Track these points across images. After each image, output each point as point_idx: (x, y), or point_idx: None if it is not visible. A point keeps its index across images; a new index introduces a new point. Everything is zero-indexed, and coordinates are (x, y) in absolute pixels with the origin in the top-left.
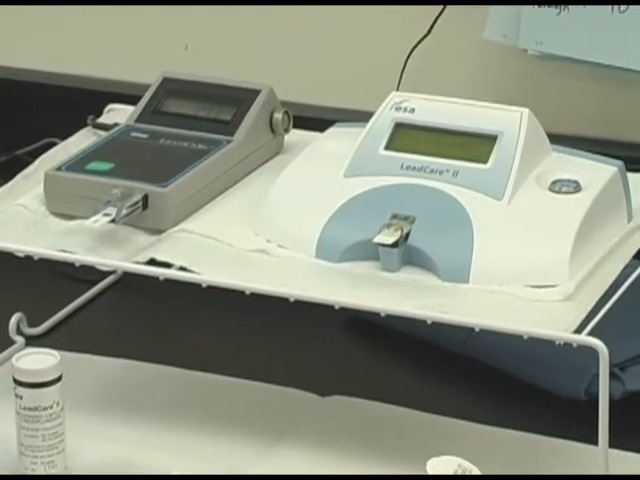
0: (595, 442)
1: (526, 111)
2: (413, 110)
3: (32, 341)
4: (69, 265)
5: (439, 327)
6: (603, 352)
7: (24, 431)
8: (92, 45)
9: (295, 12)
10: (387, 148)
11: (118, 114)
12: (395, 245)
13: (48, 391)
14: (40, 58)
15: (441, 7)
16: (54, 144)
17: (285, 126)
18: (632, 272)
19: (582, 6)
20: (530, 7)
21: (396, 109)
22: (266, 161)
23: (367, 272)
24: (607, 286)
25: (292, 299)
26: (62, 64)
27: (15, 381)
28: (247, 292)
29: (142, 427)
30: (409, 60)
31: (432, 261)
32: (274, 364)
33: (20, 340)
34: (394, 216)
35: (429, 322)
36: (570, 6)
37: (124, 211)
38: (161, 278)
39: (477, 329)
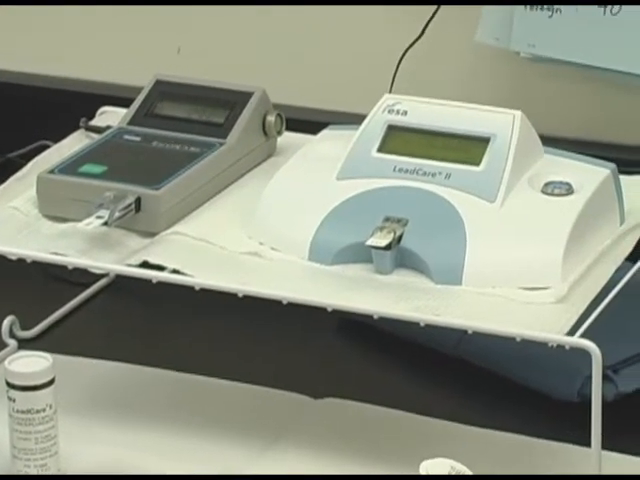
0: (588, 444)
1: (519, 113)
2: (406, 112)
3: (25, 344)
4: (62, 268)
5: (432, 329)
6: (596, 354)
7: (17, 434)
8: (85, 48)
9: (287, 14)
10: (380, 150)
11: (111, 117)
12: (388, 248)
13: (41, 394)
14: (32, 61)
15: (433, 10)
16: (47, 147)
17: (278, 129)
18: (624, 274)
19: (574, 9)
20: (522, 10)
21: (389, 111)
22: (259, 164)
23: (360, 275)
24: (599, 288)
25: (285, 302)
26: (55, 67)
27: (8, 384)
28: (240, 295)
29: (135, 430)
30: (402, 62)
31: (425, 263)
32: (267, 366)
33: (13, 343)
34: (387, 219)
35: (422, 324)
36: (562, 9)
37: (117, 214)
38: (154, 281)
39: (470, 331)
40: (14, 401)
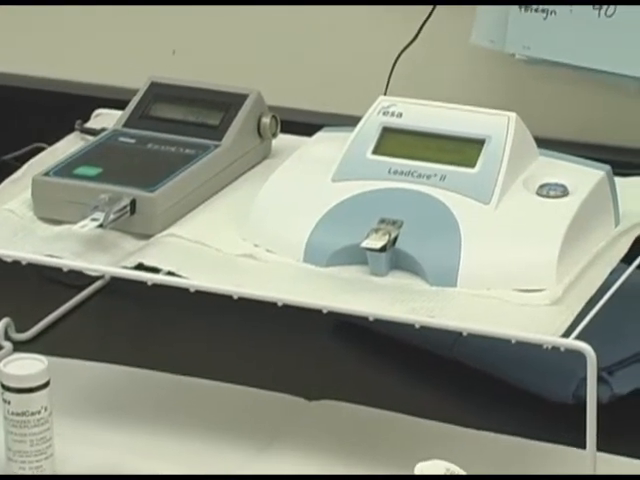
0: (583, 446)
1: (513, 115)
2: (401, 114)
3: (20, 346)
4: (57, 270)
5: (427, 331)
6: (591, 356)
7: (12, 436)
8: (80, 50)
9: (282, 16)
10: (375, 152)
11: (106, 119)
12: (383, 249)
13: (36, 396)
14: (27, 63)
15: (428, 12)
16: (42, 149)
17: (273, 131)
18: (619, 276)
19: (569, 11)
20: (517, 12)
21: (384, 113)
22: (254, 166)
23: (355, 276)
24: (594, 290)
25: (280, 304)
26: (49, 69)
27: (3, 386)
28: (235, 297)
29: (130, 432)
30: (397, 64)
31: (420, 265)
32: (262, 369)
33: (8, 345)
34: (382, 220)
35: (417, 326)
36: (557, 11)
37: (112, 216)
38: (149, 283)
39: (465, 333)
40: (9, 403)
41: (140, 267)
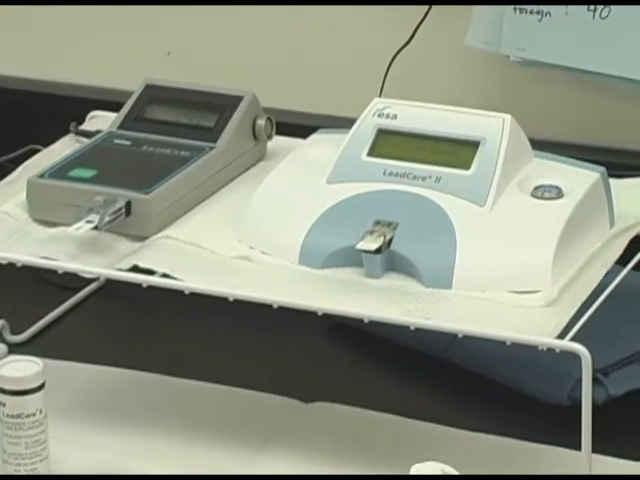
0: (578, 447)
1: (508, 117)
2: (395, 116)
3: (15, 348)
4: (52, 272)
5: (422, 333)
6: (586, 357)
7: (7, 438)
8: (74, 52)
9: (277, 18)
10: (370, 154)
11: (101, 121)
12: (378, 251)
13: (31, 398)
14: (22, 65)
15: (423, 14)
16: (37, 151)
17: (268, 132)
18: (614, 278)
19: (564, 13)
20: (512, 13)
21: (378, 115)
22: (249, 168)
23: (350, 278)
24: (589, 292)
25: (275, 305)
26: (44, 71)
27: None
28: (230, 299)
29: (125, 434)
30: (391, 66)
31: (415, 267)
32: (257, 371)
33: (3, 347)
34: (377, 222)
35: (412, 328)
36: (552, 12)
37: (107, 218)
38: (144, 285)
39: (460, 335)
40: (4, 405)
41: (135, 269)
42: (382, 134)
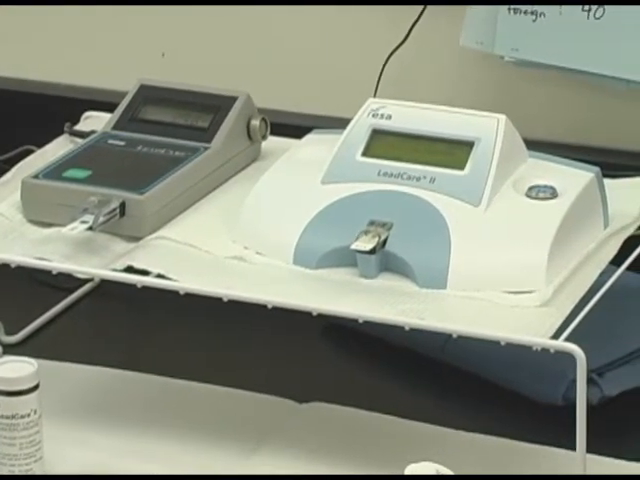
0: (573, 447)
1: (503, 117)
2: (390, 117)
3: (9, 349)
4: (46, 273)
5: (417, 333)
6: (580, 358)
7: (1, 439)
8: (69, 52)
9: (272, 19)
10: (364, 155)
11: (95, 121)
12: (373, 252)
13: (25, 399)
14: (16, 66)
15: (417, 14)
16: (31, 152)
17: (262, 133)
18: (609, 278)
19: (558, 13)
20: (506, 14)
21: (373, 116)
22: (243, 168)
23: (345, 279)
24: (584, 292)
25: (270, 306)
26: (39, 72)
27: None
28: (225, 299)
29: (120, 434)
30: (386, 67)
31: (410, 267)
32: (252, 371)
33: None
34: (371, 222)
35: (407, 328)
36: (546, 13)
37: (101, 218)
38: (139, 285)
39: (455, 335)
40: None
41: (130, 269)
42: (377, 134)
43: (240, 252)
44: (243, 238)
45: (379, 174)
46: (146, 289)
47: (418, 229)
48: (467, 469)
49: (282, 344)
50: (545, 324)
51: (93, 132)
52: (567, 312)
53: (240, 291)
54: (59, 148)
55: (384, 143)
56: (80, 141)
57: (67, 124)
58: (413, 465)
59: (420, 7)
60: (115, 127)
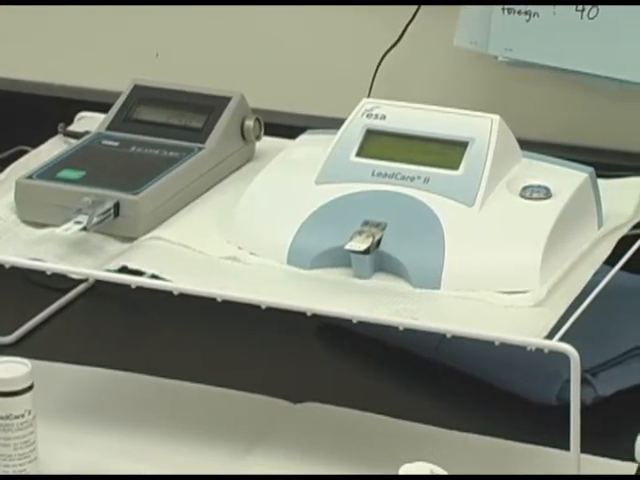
0: (567, 447)
1: (497, 117)
2: (384, 117)
3: (3, 350)
4: (40, 273)
5: (411, 333)
6: (574, 358)
7: None
8: (63, 52)
9: (266, 19)
10: (358, 155)
11: (89, 122)
12: (367, 252)
13: (19, 400)
14: (10, 66)
15: (411, 14)
16: (25, 152)
17: (256, 133)
18: (603, 278)
19: (551, 13)
20: (500, 14)
21: (367, 116)
22: (237, 168)
23: (339, 279)
24: (578, 292)
25: (264, 306)
26: (32, 72)
27: None
28: (219, 299)
29: (114, 435)
30: (380, 67)
31: (404, 267)
32: (246, 371)
33: None
34: (366, 223)
35: (401, 328)
36: (540, 13)
37: (95, 219)
38: (133, 286)
39: (449, 335)
40: None
41: (124, 270)
42: (371, 134)
43: (234, 252)
44: (237, 238)
45: (373, 174)
46: (140, 289)
47: (412, 229)
48: (461, 469)
49: (276, 344)
50: (539, 324)
51: (87, 132)
52: (561, 312)
53: (234, 291)
54: (53, 149)
55: (378, 143)
56: (74, 142)
57: (61, 124)
58: (407, 465)
59: (414, 7)
60: (109, 127)
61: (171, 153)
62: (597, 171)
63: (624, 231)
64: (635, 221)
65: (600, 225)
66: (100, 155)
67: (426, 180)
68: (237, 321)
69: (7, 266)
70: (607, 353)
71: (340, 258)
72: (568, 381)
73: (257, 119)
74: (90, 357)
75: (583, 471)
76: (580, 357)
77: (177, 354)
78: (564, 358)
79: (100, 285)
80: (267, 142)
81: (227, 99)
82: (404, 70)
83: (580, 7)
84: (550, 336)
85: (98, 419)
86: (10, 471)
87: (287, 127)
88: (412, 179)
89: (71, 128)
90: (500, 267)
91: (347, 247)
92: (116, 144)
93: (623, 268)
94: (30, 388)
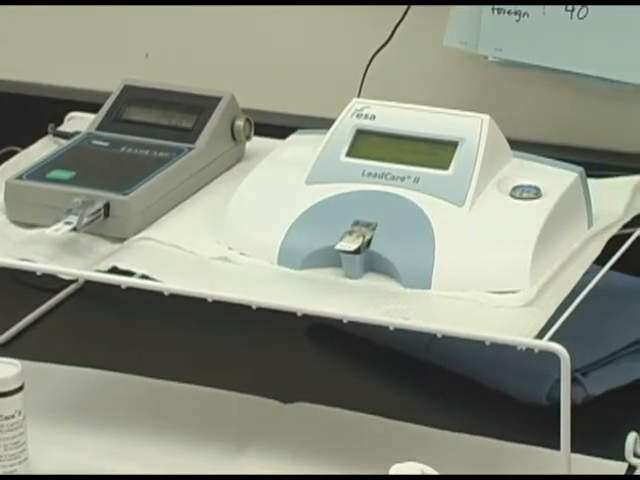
0: (557, 447)
1: (487, 117)
2: (374, 117)
3: None
4: (30, 274)
5: (402, 333)
6: (564, 357)
7: None
8: (52, 53)
9: (255, 20)
10: (348, 155)
11: (79, 122)
12: (357, 252)
13: (10, 400)
14: None
15: (401, 14)
16: (15, 153)
17: (246, 133)
18: (593, 277)
19: (541, 13)
20: (489, 14)
21: (357, 116)
22: (228, 168)
23: (329, 279)
24: (568, 291)
25: (254, 306)
26: (22, 72)
27: None
28: (209, 300)
29: (105, 436)
30: (370, 67)
31: (394, 267)
32: (237, 371)
33: None
34: (356, 223)
35: (392, 328)
36: (530, 13)
37: (85, 219)
38: (123, 286)
39: (439, 335)
40: None
41: (114, 270)
42: (361, 134)
43: (225, 253)
44: (228, 239)
45: (363, 174)
46: (130, 290)
47: (402, 229)
48: (452, 469)
49: (267, 344)
50: (529, 324)
51: (77, 133)
52: (551, 312)
53: (224, 291)
54: (43, 149)
55: (368, 143)
56: (64, 142)
57: (51, 125)
58: (398, 465)
59: (404, 7)
60: (99, 128)
61: (161, 153)
62: (587, 171)
63: (614, 231)
64: (625, 221)
65: (590, 225)
66: (90, 155)
67: (416, 180)
68: (227, 321)
69: None
70: (597, 353)
71: (330, 258)
72: (558, 381)
73: (247, 119)
74: (80, 357)
75: (574, 471)
76: (570, 357)
77: (167, 354)
78: (554, 358)
79: (90, 286)
80: (257, 142)
81: (217, 99)
82: (394, 70)
83: (570, 7)
84: (540, 336)
85: (88, 419)
86: (0, 472)
87: (277, 127)
88: (402, 179)
89: (61, 128)
90: (490, 267)
91: (337, 247)
92: (106, 144)
93: (613, 268)
94: (20, 389)
